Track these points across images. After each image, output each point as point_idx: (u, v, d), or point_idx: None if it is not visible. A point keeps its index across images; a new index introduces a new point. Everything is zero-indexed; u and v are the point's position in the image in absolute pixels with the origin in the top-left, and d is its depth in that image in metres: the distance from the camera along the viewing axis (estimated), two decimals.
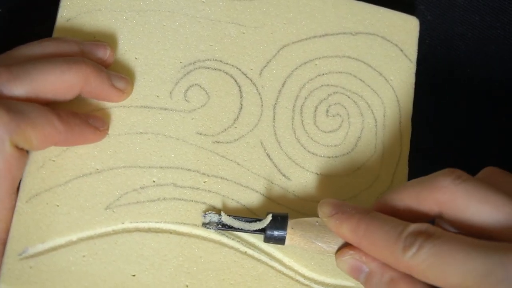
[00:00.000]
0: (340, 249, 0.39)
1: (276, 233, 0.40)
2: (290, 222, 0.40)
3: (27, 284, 0.38)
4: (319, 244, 0.40)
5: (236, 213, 0.42)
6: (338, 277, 0.42)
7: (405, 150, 0.47)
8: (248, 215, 0.42)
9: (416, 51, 0.49)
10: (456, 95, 0.48)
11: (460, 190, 0.35)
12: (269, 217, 0.40)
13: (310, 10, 0.48)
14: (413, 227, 0.35)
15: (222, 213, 0.41)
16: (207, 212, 0.41)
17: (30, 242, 0.39)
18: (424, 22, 0.48)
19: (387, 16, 0.49)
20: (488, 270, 0.32)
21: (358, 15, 0.48)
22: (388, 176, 0.46)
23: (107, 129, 0.42)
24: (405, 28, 0.49)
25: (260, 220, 0.41)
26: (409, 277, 0.35)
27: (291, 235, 0.40)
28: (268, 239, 0.41)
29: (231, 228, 0.41)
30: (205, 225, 0.41)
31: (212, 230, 0.41)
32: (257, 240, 0.42)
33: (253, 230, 0.41)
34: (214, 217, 0.41)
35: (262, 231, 0.41)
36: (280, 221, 0.40)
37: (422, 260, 0.33)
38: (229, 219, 0.41)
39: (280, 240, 0.40)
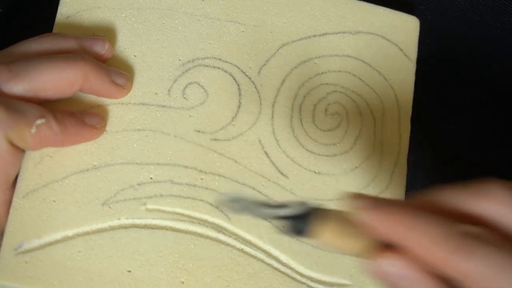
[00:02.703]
0: (372, 249, 0.33)
1: (303, 225, 0.33)
2: (320, 214, 0.33)
3: (22, 279, 0.38)
4: (351, 242, 0.33)
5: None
6: (335, 275, 0.42)
7: (404, 150, 0.47)
8: None
9: (416, 51, 0.49)
10: (456, 95, 0.48)
11: None
12: (298, 205, 0.33)
13: (310, 9, 0.48)
14: (469, 227, 0.31)
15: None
16: (222, 193, 0.40)
17: (26, 237, 0.39)
18: (424, 22, 0.48)
19: (387, 16, 0.49)
20: None
21: (358, 14, 0.48)
22: (387, 175, 0.46)
23: (104, 126, 0.42)
24: (405, 28, 0.49)
25: (285, 206, 0.33)
26: None
27: (322, 229, 0.33)
28: (293, 231, 0.33)
29: (249, 210, 0.33)
30: (220, 205, 0.40)
31: (224, 215, 0.41)
32: (254, 237, 0.42)
33: (278, 216, 0.33)
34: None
35: (286, 219, 0.33)
36: (309, 212, 0.33)
37: (480, 266, 0.29)
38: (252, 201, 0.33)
39: (305, 233, 0.33)
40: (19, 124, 0.37)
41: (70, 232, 0.40)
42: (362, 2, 0.49)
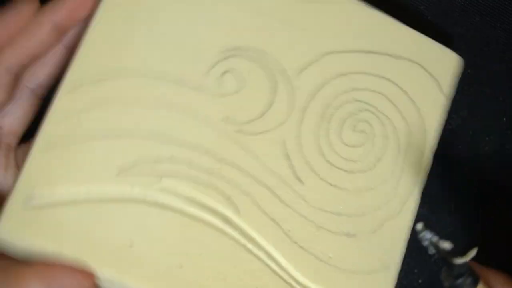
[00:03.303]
0: None
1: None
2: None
3: (24, 234, 0.38)
4: None
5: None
6: None
7: (421, 182, 0.47)
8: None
9: (452, 88, 0.49)
10: (456, 96, 0.48)
11: None
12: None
13: (361, 26, 0.47)
14: None
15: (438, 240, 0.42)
16: (425, 229, 0.42)
17: (35, 193, 0.39)
18: (424, 22, 0.48)
19: (432, 48, 0.49)
20: None
21: (406, 40, 0.48)
22: (398, 204, 0.46)
23: None
24: (447, 64, 0.49)
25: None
26: None
27: None
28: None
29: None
30: (421, 236, 0.42)
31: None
32: (259, 236, 0.42)
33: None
34: (429, 235, 0.42)
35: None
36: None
37: None
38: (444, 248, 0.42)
39: None
40: None
41: (80, 196, 0.39)
42: (411, 29, 0.49)
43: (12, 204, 0.38)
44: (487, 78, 0.52)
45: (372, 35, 0.47)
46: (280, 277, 0.42)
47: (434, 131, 0.48)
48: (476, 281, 0.41)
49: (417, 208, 0.46)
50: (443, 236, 0.47)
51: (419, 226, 0.43)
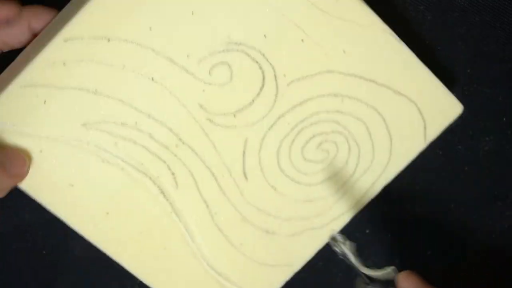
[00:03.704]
0: None
1: None
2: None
3: None
4: None
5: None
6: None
7: (356, 210, 0.50)
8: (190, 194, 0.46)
9: (437, 135, 0.49)
10: (456, 96, 0.50)
11: None
12: (392, 271, 0.46)
13: (374, 53, 0.47)
14: None
15: (349, 244, 0.47)
16: (338, 234, 0.47)
17: (2, 118, 0.42)
18: (424, 22, 0.48)
19: (437, 92, 0.49)
20: None
21: (413, 78, 0.48)
22: (326, 220, 0.50)
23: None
24: (444, 110, 0.49)
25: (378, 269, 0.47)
26: None
27: None
28: None
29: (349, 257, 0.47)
30: (332, 242, 0.48)
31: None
32: (186, 209, 0.47)
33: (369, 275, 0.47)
34: (341, 242, 0.48)
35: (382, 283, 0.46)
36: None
37: None
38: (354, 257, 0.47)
39: None
40: None
41: (43, 133, 0.43)
42: (425, 67, 0.48)
43: None
44: (487, 78, 0.52)
45: (381, 64, 0.47)
46: (190, 246, 0.48)
47: (394, 173, 0.50)
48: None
49: (341, 227, 0.50)
50: (443, 232, 0.52)
51: (339, 237, 0.48)
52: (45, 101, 0.42)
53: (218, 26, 0.44)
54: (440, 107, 0.49)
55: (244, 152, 0.47)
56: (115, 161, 0.45)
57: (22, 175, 0.43)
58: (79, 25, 0.41)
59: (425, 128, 0.49)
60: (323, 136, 0.48)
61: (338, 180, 0.49)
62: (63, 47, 0.42)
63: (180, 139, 0.45)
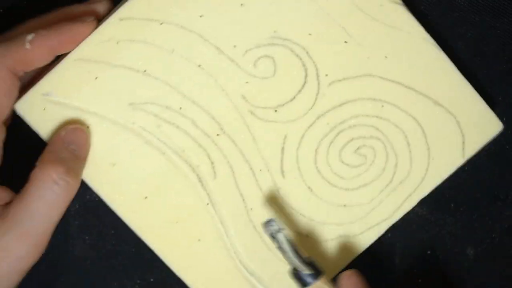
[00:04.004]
0: None
1: (309, 280, 0.46)
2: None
3: (35, 117, 0.44)
4: None
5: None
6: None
7: (393, 219, 0.50)
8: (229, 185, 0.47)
9: (475, 152, 0.50)
10: None
11: None
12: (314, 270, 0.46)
13: (416, 61, 0.48)
14: None
15: (285, 231, 0.46)
16: (272, 219, 0.46)
17: (56, 90, 0.44)
18: (424, 22, 0.48)
19: (477, 107, 0.49)
20: None
21: (454, 90, 0.49)
22: (362, 228, 0.49)
23: (94, 20, 0.44)
24: (484, 127, 0.49)
25: (307, 263, 0.46)
26: None
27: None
28: (300, 283, 0.46)
29: (281, 248, 0.46)
30: (265, 226, 0.46)
31: (266, 235, 0.46)
32: (222, 201, 0.47)
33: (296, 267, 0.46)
34: (275, 227, 0.46)
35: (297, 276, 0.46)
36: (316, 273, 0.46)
37: None
38: (286, 241, 0.46)
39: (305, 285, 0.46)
40: (11, 48, 0.41)
41: (91, 108, 0.45)
42: (466, 81, 0.49)
43: (33, 90, 0.44)
44: (487, 78, 0.52)
45: (422, 73, 0.48)
46: (223, 241, 0.48)
47: (432, 185, 0.50)
48: (316, 275, 0.46)
49: (377, 238, 0.50)
50: (443, 232, 0.52)
51: (275, 223, 0.46)
52: (96, 77, 0.45)
53: (265, 20, 0.46)
54: (479, 123, 0.49)
55: (283, 149, 0.48)
56: (157, 144, 0.46)
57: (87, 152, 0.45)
58: (135, 6, 0.44)
59: (463, 143, 0.49)
60: (361, 141, 0.48)
61: (375, 188, 0.49)
62: (118, 26, 0.44)
63: (222, 128, 0.47)
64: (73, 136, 0.44)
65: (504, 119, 0.52)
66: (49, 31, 0.42)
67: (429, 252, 0.53)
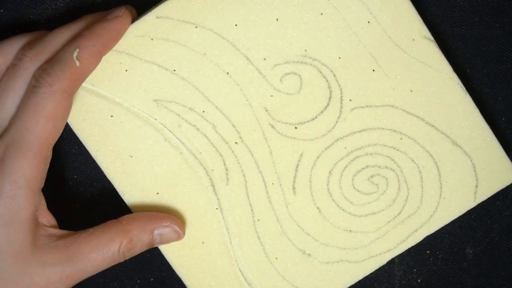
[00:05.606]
0: None
1: None
2: None
3: None
4: None
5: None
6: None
7: (396, 252, 0.50)
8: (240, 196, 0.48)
9: (487, 198, 0.50)
10: None
11: None
12: None
13: (440, 100, 0.48)
14: None
15: None
16: None
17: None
18: (424, 22, 0.48)
19: (495, 154, 0.49)
20: None
21: (473, 133, 0.49)
22: (364, 256, 0.50)
23: (127, 12, 0.44)
24: (499, 174, 0.50)
25: None
26: None
27: None
28: None
29: None
30: None
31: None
32: (230, 208, 0.48)
33: None
34: None
35: None
36: None
37: None
38: None
39: None
40: (64, 70, 0.42)
41: (117, 98, 0.46)
42: (487, 126, 0.49)
43: None
44: (487, 78, 0.52)
45: (445, 112, 0.49)
46: (226, 247, 0.49)
47: (439, 224, 0.50)
48: None
49: (378, 267, 0.50)
50: (443, 232, 0.52)
51: None
52: (126, 70, 0.46)
53: (298, 38, 0.47)
54: (494, 169, 0.50)
55: (297, 166, 0.48)
56: (176, 143, 0.47)
57: None
58: (173, 6, 0.45)
59: (476, 187, 0.50)
60: (375, 169, 0.49)
61: (382, 218, 0.50)
62: (154, 23, 0.45)
63: (241, 137, 0.47)
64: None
65: (504, 119, 0.52)
66: (90, 39, 0.42)
67: (428, 252, 0.53)
